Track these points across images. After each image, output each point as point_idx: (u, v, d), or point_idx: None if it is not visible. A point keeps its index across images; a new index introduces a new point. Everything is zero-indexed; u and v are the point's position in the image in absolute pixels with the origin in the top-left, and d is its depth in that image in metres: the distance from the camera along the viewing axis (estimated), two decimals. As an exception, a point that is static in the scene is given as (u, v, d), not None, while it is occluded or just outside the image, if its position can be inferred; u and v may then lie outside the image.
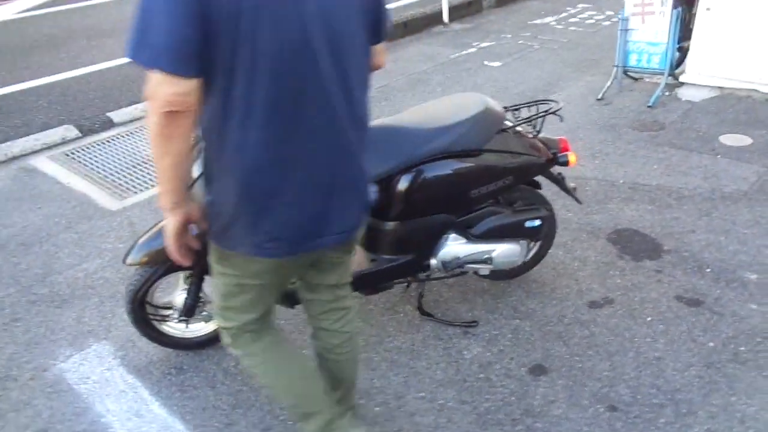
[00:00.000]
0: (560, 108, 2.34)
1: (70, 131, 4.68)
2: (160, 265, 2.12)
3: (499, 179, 2.23)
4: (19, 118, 4.84)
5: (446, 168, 2.16)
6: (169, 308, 2.30)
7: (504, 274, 2.62)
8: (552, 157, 2.35)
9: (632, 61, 4.53)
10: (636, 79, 4.78)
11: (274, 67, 1.20)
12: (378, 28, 1.43)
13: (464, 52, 5.90)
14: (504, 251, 2.35)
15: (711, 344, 2.25)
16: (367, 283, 2.34)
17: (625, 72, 4.67)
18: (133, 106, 5.00)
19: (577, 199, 2.54)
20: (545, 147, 2.38)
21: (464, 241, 2.33)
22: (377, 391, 2.17)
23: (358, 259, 2.34)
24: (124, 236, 3.22)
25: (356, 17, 1.30)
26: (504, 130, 2.26)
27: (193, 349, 2.40)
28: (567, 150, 2.41)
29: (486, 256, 2.34)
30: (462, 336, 2.39)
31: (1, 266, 3.05)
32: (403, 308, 2.56)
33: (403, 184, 2.15)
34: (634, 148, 3.76)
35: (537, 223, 2.35)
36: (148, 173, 3.94)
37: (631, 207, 3.15)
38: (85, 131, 4.69)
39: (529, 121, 2.32)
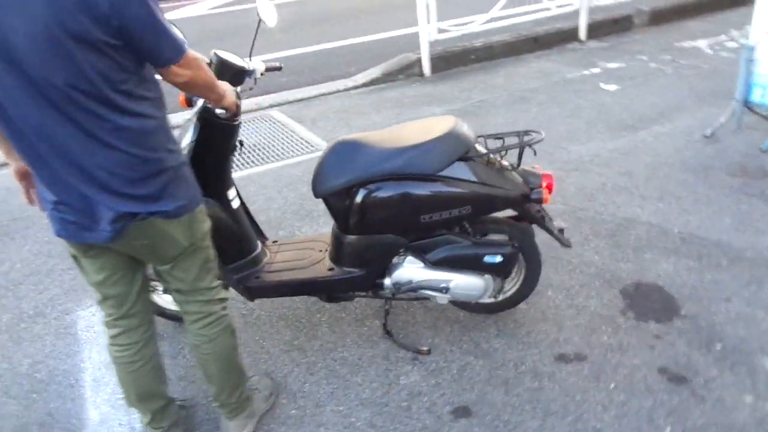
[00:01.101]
0: (539, 140, 2.18)
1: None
2: None
3: (453, 208, 2.15)
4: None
5: (395, 189, 2.14)
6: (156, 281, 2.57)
7: (482, 308, 2.50)
8: (526, 193, 2.20)
9: (756, 96, 3.92)
10: (766, 118, 4.13)
11: None
12: (148, 55, 1.47)
13: (585, 72, 5.54)
14: (463, 283, 2.26)
15: (667, 429, 1.95)
16: (321, 291, 2.41)
17: (750, 108, 4.05)
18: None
19: (562, 242, 2.34)
20: (522, 181, 2.23)
21: (421, 265, 2.28)
22: (302, 396, 2.23)
23: (317, 267, 2.41)
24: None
25: (56, 46, 1.34)
26: (470, 158, 2.17)
27: (178, 322, 2.66)
28: (549, 188, 2.23)
29: (443, 285, 2.27)
30: (409, 361, 2.35)
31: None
32: (371, 323, 2.57)
33: (355, 199, 2.18)
34: (714, 195, 3.29)
35: (498, 259, 2.22)
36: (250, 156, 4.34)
37: (671, 260, 2.78)
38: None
39: (499, 152, 2.19)
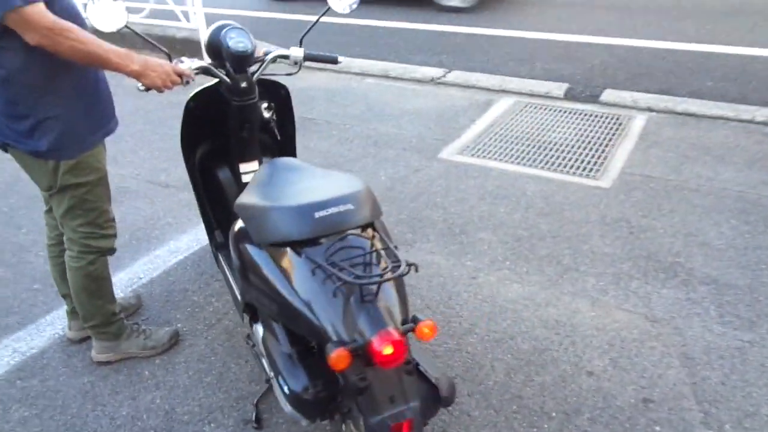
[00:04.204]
0: (389, 279, 1.37)
1: (559, 89, 4.83)
2: None
3: (262, 295, 1.62)
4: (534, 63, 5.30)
5: (239, 236, 1.75)
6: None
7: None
8: (330, 339, 1.43)
9: None
10: None
11: None
12: None
13: None
14: (277, 386, 1.75)
15: None
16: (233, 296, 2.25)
17: None
18: (630, 93, 4.59)
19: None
20: (351, 322, 1.43)
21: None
22: (154, 371, 2.25)
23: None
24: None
25: None
26: (304, 254, 1.52)
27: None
28: (383, 359, 1.34)
29: (270, 372, 1.82)
30: (239, 422, 2.02)
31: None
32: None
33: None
34: None
35: (286, 389, 1.60)
36: (510, 147, 3.93)
37: None
38: (570, 97, 4.74)
39: (334, 270, 1.44)
